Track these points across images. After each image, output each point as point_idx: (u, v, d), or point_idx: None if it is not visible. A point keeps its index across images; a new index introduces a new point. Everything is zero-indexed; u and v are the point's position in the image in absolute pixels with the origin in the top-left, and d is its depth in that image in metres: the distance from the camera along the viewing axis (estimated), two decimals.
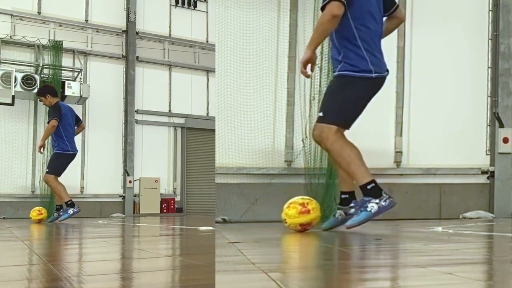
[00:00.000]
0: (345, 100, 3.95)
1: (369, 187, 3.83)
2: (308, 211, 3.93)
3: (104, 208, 12.42)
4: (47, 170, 8.07)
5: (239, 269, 1.93)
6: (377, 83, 4.01)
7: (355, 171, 3.86)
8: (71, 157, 8.11)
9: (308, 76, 4.06)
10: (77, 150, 8.24)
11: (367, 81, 3.93)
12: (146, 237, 4.61)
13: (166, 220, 8.72)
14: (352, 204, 4.11)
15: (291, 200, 4.07)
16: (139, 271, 2.06)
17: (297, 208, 3.94)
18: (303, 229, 3.96)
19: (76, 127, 8.31)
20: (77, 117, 8.42)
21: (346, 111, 3.96)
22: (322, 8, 3.84)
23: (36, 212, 8.00)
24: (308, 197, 4.21)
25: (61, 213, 7.82)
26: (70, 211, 7.72)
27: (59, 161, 7.98)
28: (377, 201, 3.79)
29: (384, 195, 3.83)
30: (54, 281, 1.77)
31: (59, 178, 8.15)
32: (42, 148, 8.15)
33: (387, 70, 4.09)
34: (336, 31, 3.96)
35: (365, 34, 3.94)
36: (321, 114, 3.99)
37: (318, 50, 4.79)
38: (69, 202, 7.76)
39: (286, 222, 3.99)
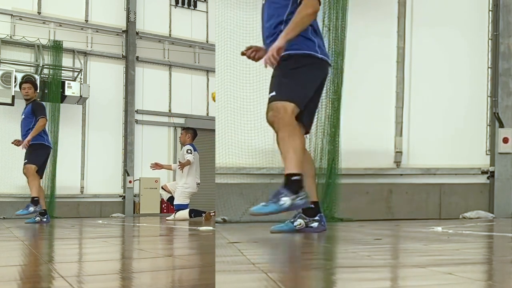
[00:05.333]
0: (300, 77, 3.77)
1: (293, 178, 3.61)
2: None
3: (104, 208, 12.43)
4: (26, 161, 7.61)
5: (239, 269, 1.92)
6: (324, 66, 3.90)
7: (293, 157, 3.63)
8: (48, 150, 7.85)
9: (274, 64, 3.76)
10: (51, 145, 8.04)
11: (314, 60, 3.82)
12: (146, 237, 4.60)
13: (166, 220, 8.72)
14: (317, 218, 3.85)
15: None
16: (139, 271, 2.06)
17: None
18: None
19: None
20: None
21: (302, 88, 3.76)
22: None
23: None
24: None
25: (29, 208, 7.50)
26: (31, 208, 7.44)
27: (40, 152, 7.64)
28: (293, 197, 3.59)
29: (302, 193, 3.62)
30: (54, 281, 1.77)
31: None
32: (27, 144, 7.58)
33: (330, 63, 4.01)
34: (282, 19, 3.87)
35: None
36: (273, 93, 3.73)
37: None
38: (35, 199, 7.50)
39: None
